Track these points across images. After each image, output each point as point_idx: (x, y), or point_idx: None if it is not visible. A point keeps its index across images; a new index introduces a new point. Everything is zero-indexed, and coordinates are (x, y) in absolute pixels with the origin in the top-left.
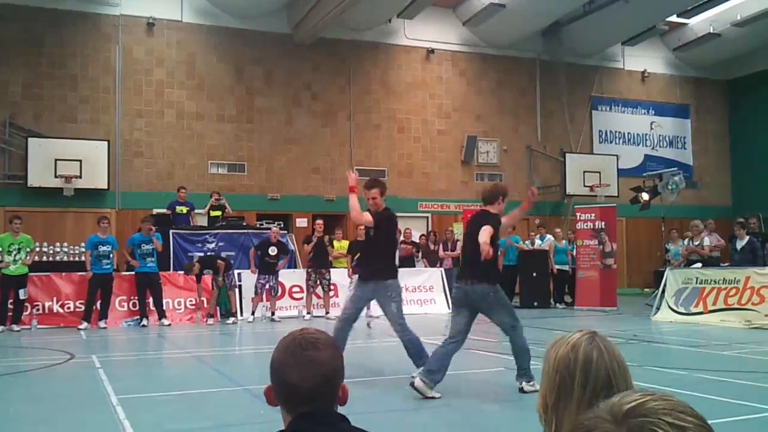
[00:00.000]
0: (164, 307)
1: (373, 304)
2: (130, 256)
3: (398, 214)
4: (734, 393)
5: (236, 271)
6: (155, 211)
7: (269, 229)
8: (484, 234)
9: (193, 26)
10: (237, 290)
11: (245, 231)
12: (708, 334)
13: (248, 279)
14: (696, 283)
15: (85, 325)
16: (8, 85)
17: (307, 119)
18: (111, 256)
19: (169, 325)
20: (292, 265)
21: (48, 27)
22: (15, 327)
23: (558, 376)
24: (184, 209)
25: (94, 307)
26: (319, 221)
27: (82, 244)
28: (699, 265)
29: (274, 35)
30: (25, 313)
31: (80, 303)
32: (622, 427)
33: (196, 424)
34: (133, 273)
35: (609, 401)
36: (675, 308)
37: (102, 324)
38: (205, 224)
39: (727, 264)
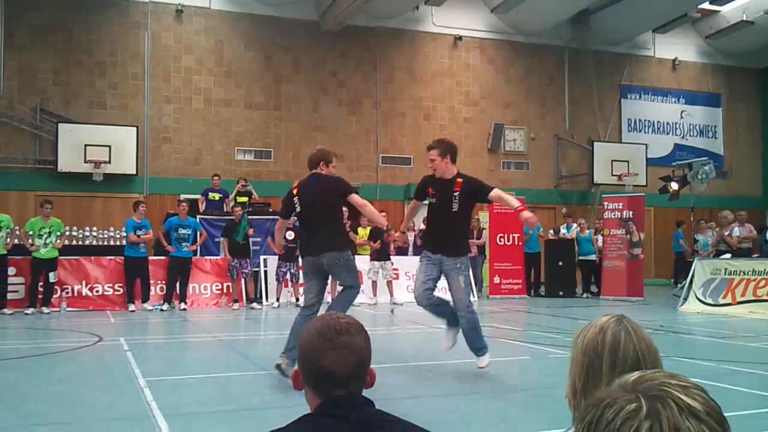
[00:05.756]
0: (188, 293)
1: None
2: (165, 240)
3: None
4: (760, 384)
5: (262, 257)
6: (182, 196)
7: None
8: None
9: (221, 13)
10: (262, 275)
11: (272, 217)
12: (736, 325)
13: (273, 265)
14: (725, 274)
15: (132, 307)
16: (38, 71)
17: (333, 107)
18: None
19: (185, 309)
20: None
21: (77, 14)
22: (45, 309)
23: (586, 359)
24: (217, 196)
25: (133, 289)
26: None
27: (111, 228)
28: (728, 255)
29: (301, 22)
30: (54, 296)
31: (108, 286)
32: (633, 394)
33: (222, 407)
34: (164, 257)
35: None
36: (703, 299)
37: (131, 308)
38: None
39: (756, 255)
